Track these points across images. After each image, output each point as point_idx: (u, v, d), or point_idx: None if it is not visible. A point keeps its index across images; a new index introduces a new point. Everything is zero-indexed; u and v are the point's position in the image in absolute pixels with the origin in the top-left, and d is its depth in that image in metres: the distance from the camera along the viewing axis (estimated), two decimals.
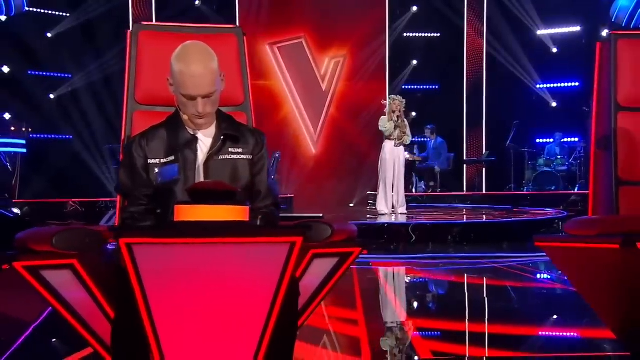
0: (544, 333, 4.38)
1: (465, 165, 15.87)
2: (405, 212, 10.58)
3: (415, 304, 5.50)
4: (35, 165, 13.13)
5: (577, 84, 15.26)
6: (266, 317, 1.98)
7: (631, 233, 2.61)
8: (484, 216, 10.90)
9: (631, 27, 14.10)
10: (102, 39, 14.26)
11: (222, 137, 2.55)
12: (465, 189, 15.63)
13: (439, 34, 16.16)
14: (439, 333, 4.44)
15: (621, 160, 3.23)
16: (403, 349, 3.91)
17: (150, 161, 2.50)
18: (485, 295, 5.83)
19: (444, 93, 16.03)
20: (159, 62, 2.51)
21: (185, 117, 2.52)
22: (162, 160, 2.50)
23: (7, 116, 13.32)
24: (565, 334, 4.41)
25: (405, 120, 10.31)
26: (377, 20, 15.42)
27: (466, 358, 3.69)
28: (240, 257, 1.94)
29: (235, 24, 14.92)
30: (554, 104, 15.62)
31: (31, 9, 13.82)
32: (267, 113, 14.83)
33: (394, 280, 6.86)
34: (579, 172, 13.95)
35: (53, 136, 14.38)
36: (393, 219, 9.98)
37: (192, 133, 2.54)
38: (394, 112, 10.12)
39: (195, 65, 2.39)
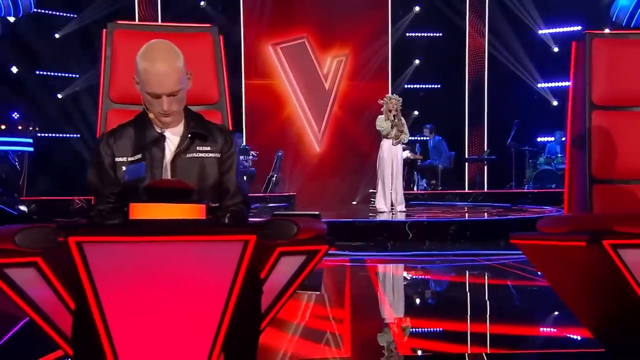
0: (526, 330, 4.35)
1: (467, 164, 15.81)
2: (404, 209, 10.54)
3: (404, 302, 5.47)
4: (42, 163, 13.18)
5: None
6: (220, 315, 1.96)
7: (598, 230, 2.59)
8: (485, 214, 10.84)
9: (631, 26, 14.02)
10: None
11: (189, 136, 2.54)
12: (467, 187, 15.57)
13: (440, 34, 16.09)
14: (423, 330, 4.41)
15: (595, 159, 3.20)
16: (386, 346, 3.89)
17: (117, 159, 2.49)
18: (474, 293, 5.80)
19: (445, 92, 15.98)
20: (132, 61, 2.49)
21: (152, 115, 2.51)
22: (130, 159, 2.49)
23: (15, 115, 13.38)
24: (546, 330, 4.38)
25: (402, 118, 10.28)
26: (380, 20, 15.42)
27: (466, 355, 3.67)
28: (194, 255, 1.92)
29: (239, 24, 14.97)
30: (555, 103, 15.53)
31: (39, 10, 13.84)
32: (271, 112, 14.93)
33: (385, 278, 6.84)
34: None
35: (60, 135, 14.43)
36: (391, 217, 9.95)
37: (159, 131, 2.53)
38: (390, 111, 10.10)
39: (159, 63, 2.38)
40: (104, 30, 3.06)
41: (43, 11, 14.11)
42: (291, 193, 13.61)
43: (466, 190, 15.23)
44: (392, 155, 10.30)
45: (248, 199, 2.70)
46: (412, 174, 14.56)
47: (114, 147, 2.50)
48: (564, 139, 14.56)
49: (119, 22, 3.13)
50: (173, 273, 1.92)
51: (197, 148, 2.55)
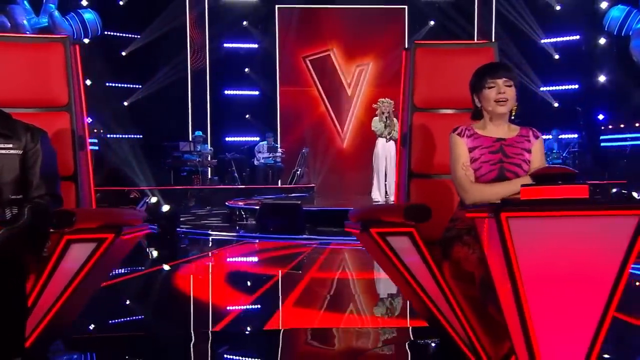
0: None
1: None
2: None
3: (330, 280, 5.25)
4: (106, 159, 13.38)
5: (576, 86, 14.48)
6: None
7: (369, 220, 2.40)
8: None
9: (622, 34, 13.25)
10: (165, 54, 14.55)
11: None
12: None
13: None
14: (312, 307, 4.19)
15: (414, 156, 2.95)
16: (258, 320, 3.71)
17: None
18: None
19: None
20: None
21: None
22: None
23: (88, 120, 13.66)
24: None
25: (394, 119, 9.94)
26: (397, 33, 15.11)
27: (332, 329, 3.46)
28: None
29: (275, 39, 14.92)
30: (555, 104, 14.81)
31: (106, 33, 14.07)
32: (303, 114, 14.87)
33: (331, 260, 6.59)
34: (572, 165, 13.13)
35: (126, 136, 14.64)
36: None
37: None
38: (383, 113, 9.79)
39: None
40: None
41: (110, 33, 14.35)
42: (311, 185, 13.44)
43: None
44: (385, 152, 9.99)
45: (55, 191, 2.57)
46: None
47: None
48: (560, 136, 13.91)
49: None
50: None
51: None
